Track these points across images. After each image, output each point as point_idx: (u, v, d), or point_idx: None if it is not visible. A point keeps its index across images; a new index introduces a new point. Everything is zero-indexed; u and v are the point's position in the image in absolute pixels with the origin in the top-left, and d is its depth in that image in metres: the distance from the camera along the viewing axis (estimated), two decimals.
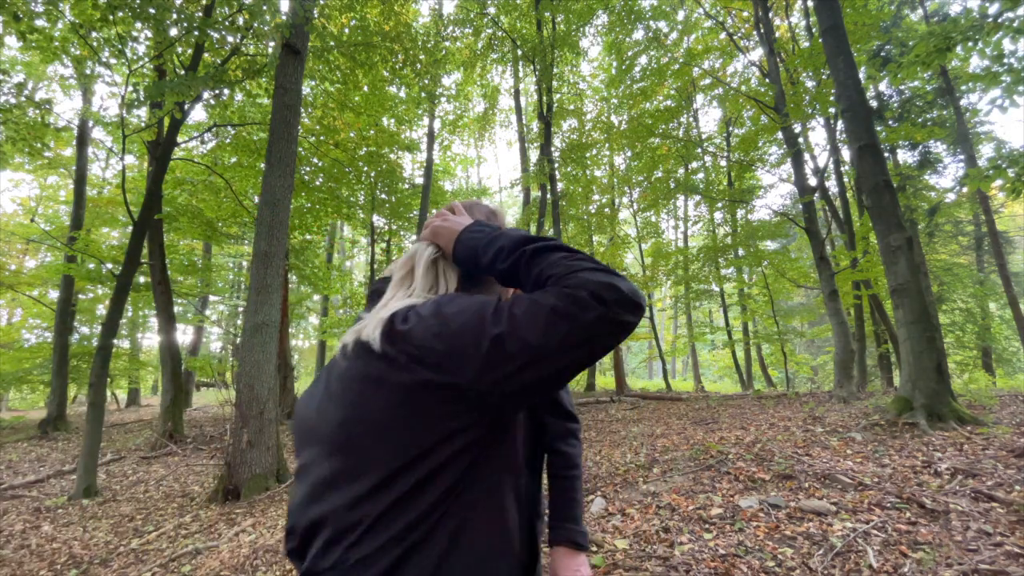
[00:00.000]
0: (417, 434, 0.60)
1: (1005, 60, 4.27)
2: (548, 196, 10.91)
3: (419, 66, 9.25)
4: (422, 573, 0.58)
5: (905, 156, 12.60)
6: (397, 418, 0.60)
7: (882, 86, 11.89)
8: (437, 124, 12.81)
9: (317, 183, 10.73)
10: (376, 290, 0.84)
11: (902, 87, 11.53)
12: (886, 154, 11.50)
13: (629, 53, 11.35)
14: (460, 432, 0.60)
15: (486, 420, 0.62)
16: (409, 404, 0.59)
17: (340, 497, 0.61)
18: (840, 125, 9.13)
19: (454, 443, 0.60)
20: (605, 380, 17.17)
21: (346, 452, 0.62)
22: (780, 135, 9.28)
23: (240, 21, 5.95)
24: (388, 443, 0.60)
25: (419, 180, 12.70)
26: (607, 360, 17.50)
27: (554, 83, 11.35)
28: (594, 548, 2.64)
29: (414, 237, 12.29)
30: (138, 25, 5.82)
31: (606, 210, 14.52)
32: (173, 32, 5.59)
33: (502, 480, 0.66)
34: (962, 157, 11.17)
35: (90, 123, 11.27)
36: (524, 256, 0.64)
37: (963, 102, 11.00)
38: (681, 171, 13.33)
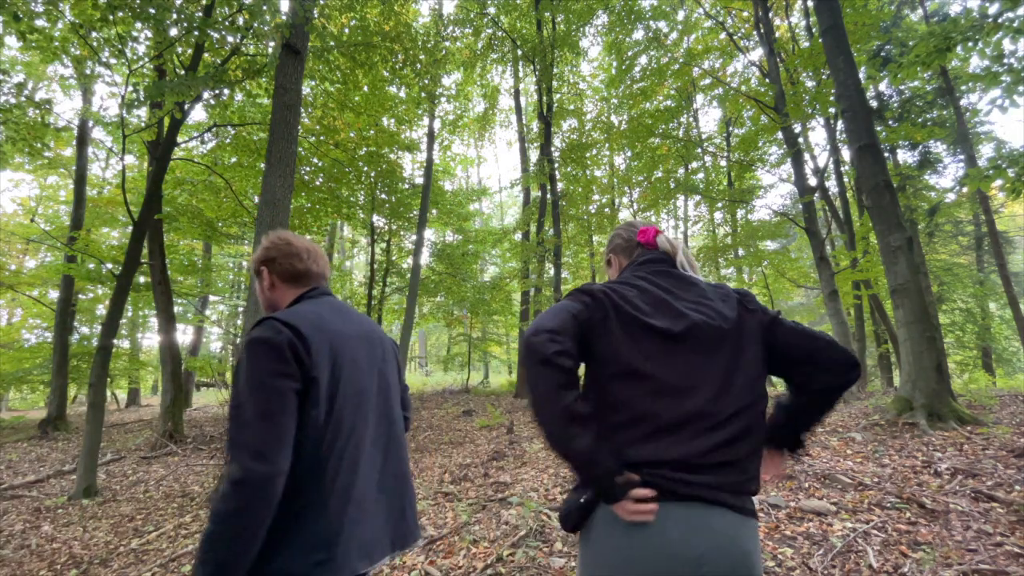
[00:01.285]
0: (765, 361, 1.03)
1: (1005, 60, 4.27)
2: (548, 196, 10.92)
3: (419, 66, 9.24)
4: (758, 450, 0.98)
5: (905, 156, 12.59)
6: (762, 352, 1.02)
7: (882, 86, 11.89)
8: (437, 124, 12.81)
9: (317, 183, 10.72)
10: (656, 258, 1.15)
11: (902, 87, 11.53)
12: (886, 154, 11.50)
13: (629, 53, 11.34)
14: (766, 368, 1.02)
15: None
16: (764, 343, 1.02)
17: (743, 398, 0.96)
18: (840, 125, 9.12)
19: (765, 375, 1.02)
20: None
21: (753, 365, 0.99)
22: (780, 135, 9.28)
23: (240, 21, 5.95)
24: (760, 367, 1.00)
25: (419, 180, 12.68)
26: None
27: (554, 83, 11.35)
28: None
29: (414, 237, 12.28)
30: (138, 25, 5.83)
31: (606, 210, 14.52)
32: (173, 32, 5.59)
33: None
34: (962, 157, 11.17)
35: (90, 123, 11.27)
36: None
37: (963, 102, 11.00)
38: (681, 171, 13.32)
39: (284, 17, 5.56)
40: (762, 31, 8.79)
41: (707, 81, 12.13)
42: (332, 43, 7.37)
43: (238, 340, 9.69)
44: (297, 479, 1.01)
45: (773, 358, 1.01)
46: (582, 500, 0.96)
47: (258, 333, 1.05)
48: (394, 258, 13.54)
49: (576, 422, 0.89)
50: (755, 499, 3.07)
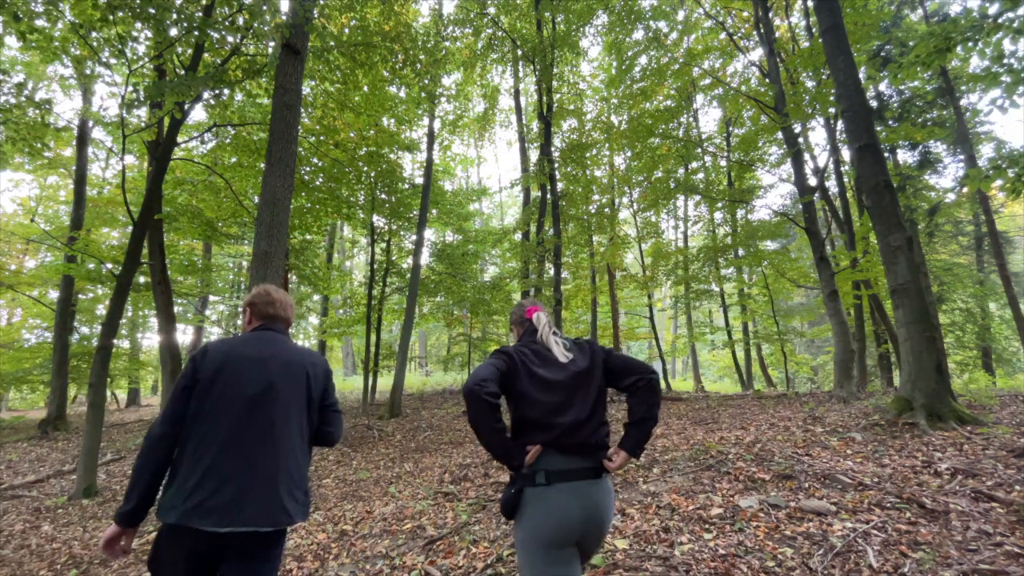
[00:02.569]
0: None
1: (1005, 60, 4.26)
2: (548, 196, 10.91)
3: (419, 66, 9.24)
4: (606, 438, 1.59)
5: (905, 156, 12.59)
6: (603, 377, 1.62)
7: (882, 86, 11.88)
8: (437, 124, 12.79)
9: (317, 183, 10.72)
10: (533, 328, 1.75)
11: (902, 87, 11.53)
12: (886, 154, 11.50)
13: (629, 53, 11.32)
14: None
15: None
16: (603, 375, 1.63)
17: (586, 408, 1.55)
18: (840, 125, 9.13)
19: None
20: None
21: (595, 391, 1.59)
22: (780, 135, 9.28)
23: (240, 21, 5.95)
24: (603, 387, 1.62)
25: (419, 180, 12.67)
26: None
27: (554, 83, 11.34)
28: None
29: (414, 237, 12.29)
30: (138, 25, 5.82)
31: (606, 210, 14.51)
32: (173, 32, 5.59)
33: None
34: (962, 157, 11.17)
35: (90, 123, 11.27)
36: None
37: (963, 102, 11.00)
38: (681, 171, 13.31)
39: (284, 17, 5.56)
40: (762, 31, 8.79)
41: (707, 81, 12.12)
42: (332, 43, 7.37)
43: None
44: (179, 447, 1.49)
45: (609, 376, 1.62)
46: (513, 491, 1.50)
47: (194, 351, 1.67)
48: (394, 258, 13.53)
49: (502, 432, 1.49)
50: (756, 498, 3.07)
